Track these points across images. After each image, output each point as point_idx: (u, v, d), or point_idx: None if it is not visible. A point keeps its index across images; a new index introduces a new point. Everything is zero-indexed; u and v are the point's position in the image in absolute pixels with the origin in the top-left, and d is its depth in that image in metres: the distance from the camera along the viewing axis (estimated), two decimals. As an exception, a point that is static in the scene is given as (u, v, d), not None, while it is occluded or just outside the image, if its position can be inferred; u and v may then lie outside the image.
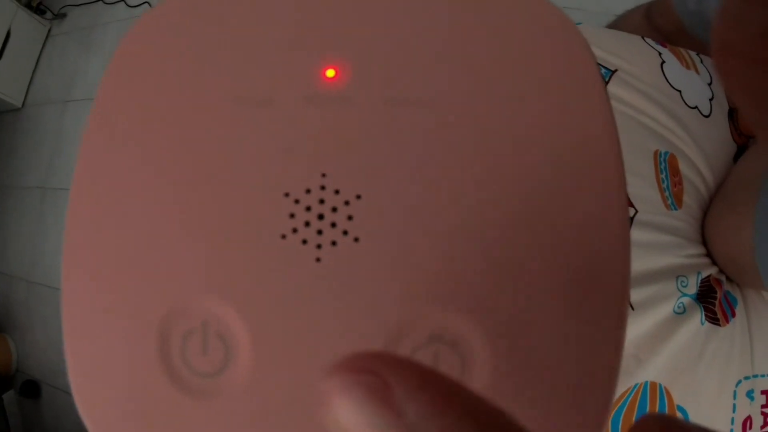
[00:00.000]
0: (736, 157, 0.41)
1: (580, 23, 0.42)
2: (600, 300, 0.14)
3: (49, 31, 1.55)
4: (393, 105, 0.15)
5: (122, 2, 1.50)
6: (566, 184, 0.14)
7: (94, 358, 0.15)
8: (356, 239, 0.15)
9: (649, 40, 0.40)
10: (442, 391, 0.09)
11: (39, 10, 1.55)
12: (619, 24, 0.47)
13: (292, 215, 0.15)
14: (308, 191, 0.15)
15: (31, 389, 1.24)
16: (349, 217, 0.15)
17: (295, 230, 0.15)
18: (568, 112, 0.15)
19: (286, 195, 0.15)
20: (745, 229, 0.37)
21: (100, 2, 1.52)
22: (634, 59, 0.43)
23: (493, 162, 0.15)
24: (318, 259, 0.15)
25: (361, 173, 0.15)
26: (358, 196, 0.15)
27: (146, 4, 1.48)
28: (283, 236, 0.15)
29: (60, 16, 1.57)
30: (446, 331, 0.15)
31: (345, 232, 0.15)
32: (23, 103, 1.50)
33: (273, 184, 0.15)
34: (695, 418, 0.36)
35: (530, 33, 0.15)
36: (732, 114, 0.41)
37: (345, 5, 0.16)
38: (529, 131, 0.15)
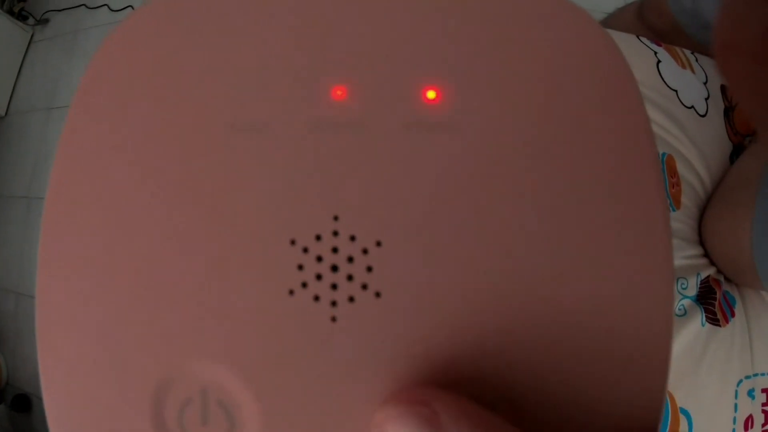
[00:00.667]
0: (732, 155, 0.39)
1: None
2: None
3: (32, 37, 1.47)
4: (414, 131, 0.12)
5: (105, 6, 1.43)
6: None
7: (79, 426, 0.13)
8: (378, 294, 0.12)
9: (644, 39, 0.38)
10: (482, 420, 0.10)
11: (21, 16, 1.47)
12: (610, 22, 0.45)
13: (300, 267, 0.12)
14: (318, 238, 0.12)
15: (22, 403, 1.18)
16: (369, 269, 0.12)
17: (304, 285, 0.12)
18: (613, 154, 0.12)
19: (293, 243, 0.12)
20: (744, 230, 0.35)
21: (83, 7, 1.45)
22: (630, 59, 0.40)
23: (535, 198, 0.12)
24: (333, 318, 0.12)
25: (380, 215, 0.12)
26: (378, 243, 0.12)
27: (130, 8, 1.42)
28: (291, 292, 0.12)
29: (42, 21, 1.49)
30: (482, 399, 0.12)
31: (364, 287, 0.12)
32: (6, 112, 1.43)
33: (276, 230, 0.12)
34: (698, 419, 0.34)
35: (573, 56, 0.12)
36: (728, 112, 0.39)
37: (356, 15, 0.13)
38: (573, 166, 0.12)
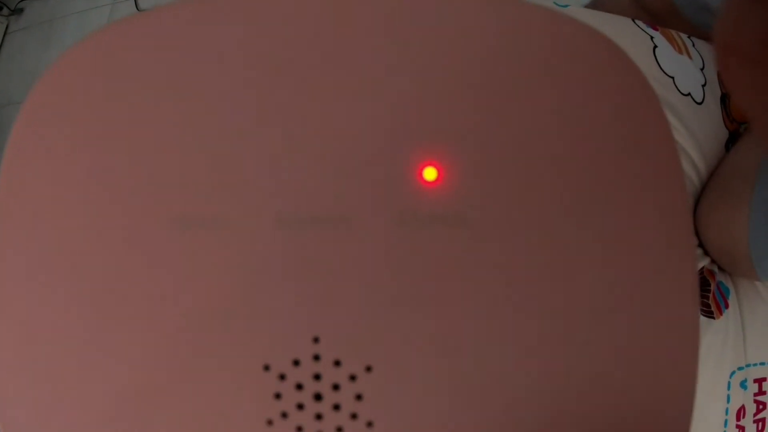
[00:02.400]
0: (728, 143, 0.37)
1: (567, 5, 0.36)
2: None
3: (7, 27, 1.38)
4: (411, 224, 0.10)
5: (81, -7, 1.34)
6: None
7: None
8: (369, 424, 0.10)
9: (640, 23, 0.35)
10: None
11: (-5, 7, 1.36)
12: (606, 4, 0.42)
13: (278, 395, 0.10)
14: (296, 363, 0.10)
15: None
16: (358, 396, 0.10)
17: (284, 414, 0.10)
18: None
19: (266, 368, 0.10)
20: (739, 220, 0.34)
21: (58, -6, 1.35)
22: (626, 44, 0.37)
23: (554, 320, 0.10)
24: (319, 452, 0.10)
25: (369, 334, 0.10)
26: (368, 368, 0.10)
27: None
28: (270, 422, 0.10)
29: (17, 11, 1.40)
30: None
31: (354, 416, 0.10)
32: (-17, 107, 1.35)
33: (244, 354, 0.10)
34: (691, 410, 0.34)
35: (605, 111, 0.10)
36: (724, 99, 0.37)
37: (333, 70, 0.10)
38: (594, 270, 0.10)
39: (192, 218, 0.10)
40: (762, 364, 0.35)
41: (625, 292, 0.10)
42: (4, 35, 1.35)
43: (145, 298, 0.10)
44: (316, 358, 0.10)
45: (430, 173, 0.10)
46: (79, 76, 0.11)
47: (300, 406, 0.10)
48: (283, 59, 0.10)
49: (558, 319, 0.10)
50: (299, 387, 0.10)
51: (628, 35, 0.34)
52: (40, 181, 0.10)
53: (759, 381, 0.35)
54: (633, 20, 0.35)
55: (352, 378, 0.10)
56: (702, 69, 0.36)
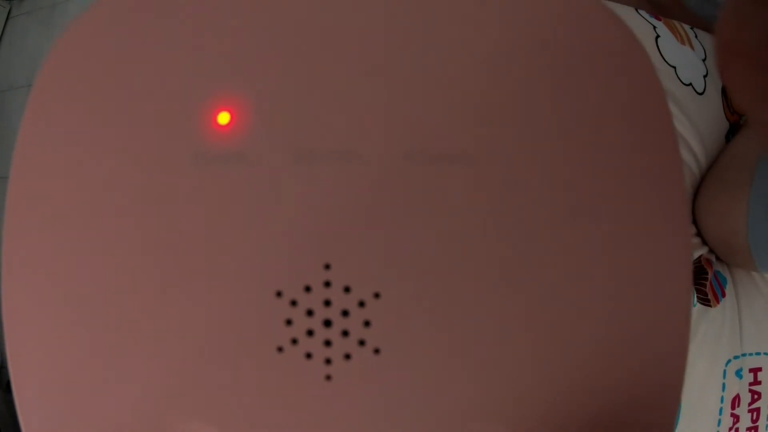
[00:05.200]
0: (728, 134, 0.37)
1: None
2: None
3: (9, 12, 1.37)
4: (417, 162, 0.10)
5: (81, -25, 1.33)
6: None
7: None
8: (376, 351, 0.10)
9: (642, 12, 0.36)
10: None
11: (-3, -8, 1.36)
12: (608, -6, 0.42)
13: (288, 321, 0.10)
14: (308, 289, 0.10)
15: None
16: (366, 323, 0.10)
17: (294, 341, 0.10)
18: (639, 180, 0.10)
19: (278, 294, 0.10)
20: (739, 211, 0.34)
21: (60, -21, 1.35)
22: (628, 34, 0.38)
23: (553, 240, 0.10)
24: (328, 377, 0.10)
25: (378, 262, 0.10)
26: (377, 294, 0.10)
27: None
28: (280, 349, 0.10)
29: None
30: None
31: (361, 342, 0.10)
32: (-14, 91, 1.35)
33: (258, 281, 0.10)
34: (686, 398, 0.35)
35: (603, 74, 0.10)
36: (725, 91, 0.37)
37: (348, 19, 0.11)
38: (592, 200, 0.10)
39: (212, 154, 0.11)
40: (757, 354, 0.35)
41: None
42: (6, 20, 1.35)
43: (165, 228, 0.10)
44: (327, 284, 0.10)
45: (444, 114, 0.10)
46: (93, 37, 0.11)
47: (310, 333, 0.10)
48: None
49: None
50: (310, 313, 0.10)
51: (631, 24, 0.35)
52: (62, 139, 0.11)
53: (754, 371, 0.35)
54: (636, 9, 0.36)
55: (361, 304, 0.10)
56: (704, 60, 0.36)
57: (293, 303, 0.10)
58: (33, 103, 0.11)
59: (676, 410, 0.11)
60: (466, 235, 0.10)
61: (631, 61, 0.11)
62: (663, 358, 0.11)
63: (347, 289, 0.10)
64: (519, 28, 0.11)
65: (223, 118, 0.11)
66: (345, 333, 0.10)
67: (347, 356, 0.10)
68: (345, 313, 0.10)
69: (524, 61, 0.11)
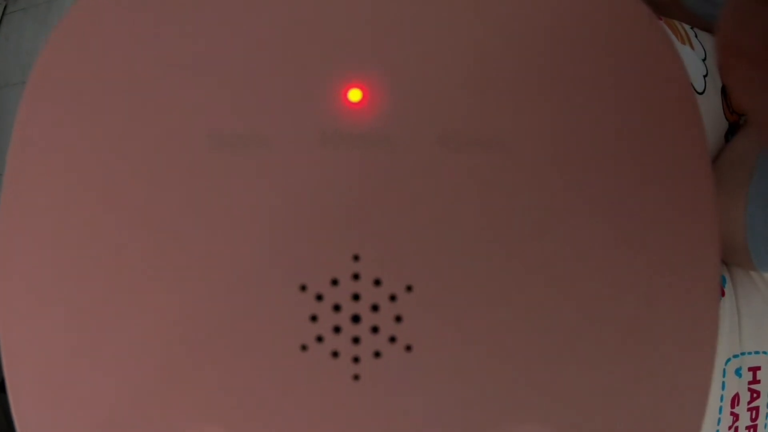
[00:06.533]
0: (727, 134, 0.38)
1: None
2: None
3: (5, 9, 1.34)
4: (451, 148, 0.10)
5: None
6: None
7: None
8: (408, 348, 0.10)
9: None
10: None
11: (-8, -12, 1.33)
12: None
13: (313, 318, 0.10)
14: (335, 282, 0.10)
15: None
16: (397, 318, 0.10)
17: (320, 338, 0.10)
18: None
19: (303, 288, 0.10)
20: (737, 210, 0.35)
21: (56, -26, 1.32)
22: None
23: (590, 226, 0.10)
24: (356, 377, 0.10)
25: (411, 253, 0.10)
26: (409, 288, 0.10)
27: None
28: (304, 347, 0.10)
29: None
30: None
31: (392, 339, 0.10)
32: (-20, 88, 1.31)
33: (281, 273, 0.10)
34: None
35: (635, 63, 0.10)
36: (725, 91, 0.37)
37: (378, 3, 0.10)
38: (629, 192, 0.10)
39: (229, 138, 0.10)
40: (756, 352, 0.36)
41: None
42: (2, 16, 1.32)
43: (182, 218, 0.10)
44: (356, 277, 0.10)
45: (477, 98, 0.10)
46: (92, 24, 0.11)
47: (336, 329, 0.10)
48: None
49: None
50: (337, 308, 0.10)
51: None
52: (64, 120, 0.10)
53: (753, 369, 0.35)
54: (637, 9, 0.36)
55: (392, 298, 0.10)
56: (704, 59, 0.36)
57: (319, 297, 0.10)
58: (29, 95, 0.10)
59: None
60: (505, 226, 0.10)
61: (664, 58, 0.11)
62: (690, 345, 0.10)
63: (377, 282, 0.10)
64: (558, 17, 0.10)
65: (238, 97, 0.10)
66: (374, 329, 0.10)
67: (377, 354, 0.10)
68: (375, 308, 0.10)
69: (561, 50, 0.10)
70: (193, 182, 0.10)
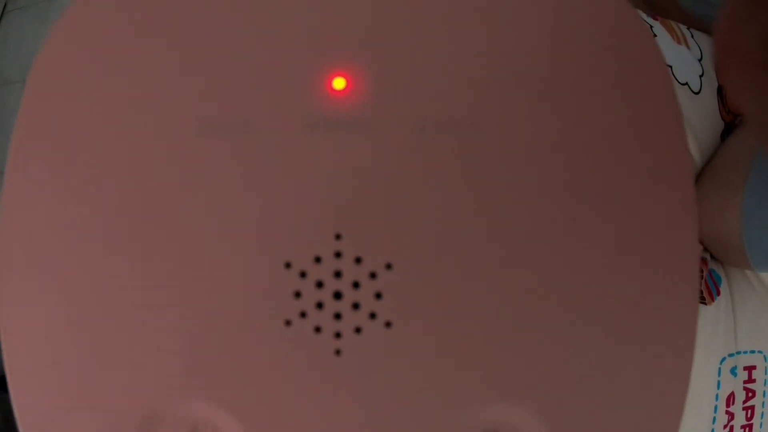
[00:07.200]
0: (723, 134, 0.38)
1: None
2: None
3: (4, 7, 1.36)
4: (430, 133, 0.10)
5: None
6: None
7: None
8: (388, 324, 0.10)
9: (639, 12, 0.36)
10: None
11: (-8, -13, 1.34)
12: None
13: (297, 294, 0.10)
14: (318, 260, 0.10)
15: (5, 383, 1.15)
16: (378, 295, 0.10)
17: (303, 314, 0.10)
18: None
19: (288, 266, 0.10)
20: (733, 210, 0.35)
21: (56, -27, 1.33)
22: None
23: (566, 208, 0.10)
24: (338, 352, 0.10)
25: (391, 232, 0.10)
26: (389, 266, 0.10)
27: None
28: (288, 322, 0.10)
29: None
30: (504, 427, 0.11)
31: (372, 316, 0.10)
32: (-21, 86, 1.33)
33: (267, 251, 0.10)
34: (682, 396, 0.34)
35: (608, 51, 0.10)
36: (721, 91, 0.37)
37: None
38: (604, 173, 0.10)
39: (218, 124, 0.10)
40: (752, 352, 0.36)
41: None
42: (1, 14, 1.33)
43: (174, 203, 0.10)
44: (338, 255, 0.10)
45: (456, 84, 0.10)
46: (92, 19, 0.11)
47: (319, 305, 0.10)
48: None
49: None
50: (319, 285, 0.10)
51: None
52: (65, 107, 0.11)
53: (749, 368, 0.35)
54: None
55: (373, 275, 0.10)
56: (700, 60, 0.37)
57: (302, 274, 0.10)
58: (29, 92, 0.11)
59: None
60: (481, 207, 0.10)
61: (645, 55, 0.11)
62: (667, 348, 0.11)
63: (358, 260, 0.10)
64: (537, 5, 0.11)
65: (229, 91, 0.11)
66: (356, 306, 0.10)
67: (358, 330, 0.10)
68: (356, 285, 0.10)
69: (539, 39, 0.11)
70: (183, 167, 0.10)
